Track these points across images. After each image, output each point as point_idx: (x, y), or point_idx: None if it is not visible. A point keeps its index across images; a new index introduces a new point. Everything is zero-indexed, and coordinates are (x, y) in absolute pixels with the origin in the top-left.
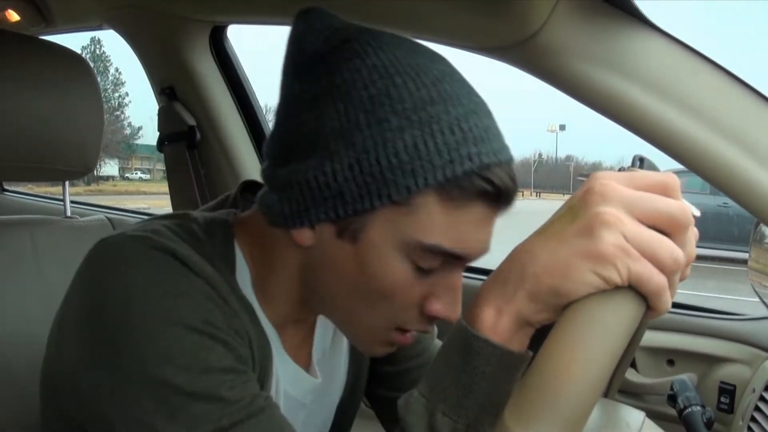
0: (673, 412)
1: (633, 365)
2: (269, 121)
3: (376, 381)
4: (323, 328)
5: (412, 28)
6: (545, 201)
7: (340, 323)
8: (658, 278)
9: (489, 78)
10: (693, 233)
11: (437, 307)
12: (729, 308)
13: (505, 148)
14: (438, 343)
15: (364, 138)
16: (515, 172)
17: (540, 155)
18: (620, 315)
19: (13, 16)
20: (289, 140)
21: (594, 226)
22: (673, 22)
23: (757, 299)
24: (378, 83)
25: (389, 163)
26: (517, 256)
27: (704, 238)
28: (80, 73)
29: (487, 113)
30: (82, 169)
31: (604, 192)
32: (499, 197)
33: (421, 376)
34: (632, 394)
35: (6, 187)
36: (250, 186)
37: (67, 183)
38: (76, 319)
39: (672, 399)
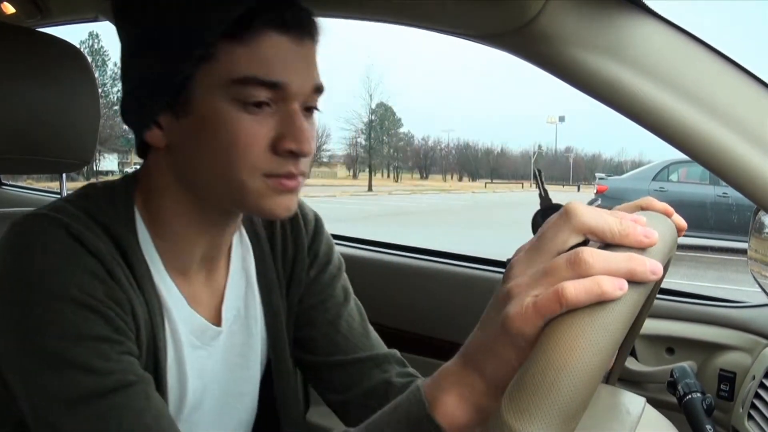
0: (673, 399)
1: (632, 353)
2: None
3: (300, 346)
4: (235, 288)
5: (408, 17)
6: None
7: (227, 201)
8: (568, 289)
9: (488, 72)
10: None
11: (287, 143)
12: (729, 298)
13: None
14: (351, 308)
15: (151, 31)
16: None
17: (540, 147)
18: (621, 300)
19: (9, 8)
20: (123, 57)
21: (503, 299)
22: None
23: (756, 289)
24: None
25: (174, 34)
26: (477, 338)
27: (703, 228)
28: (76, 64)
29: None
30: (78, 162)
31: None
32: (285, 23)
33: (339, 341)
34: (632, 383)
35: (4, 181)
36: None
37: (64, 176)
38: None
39: (672, 386)
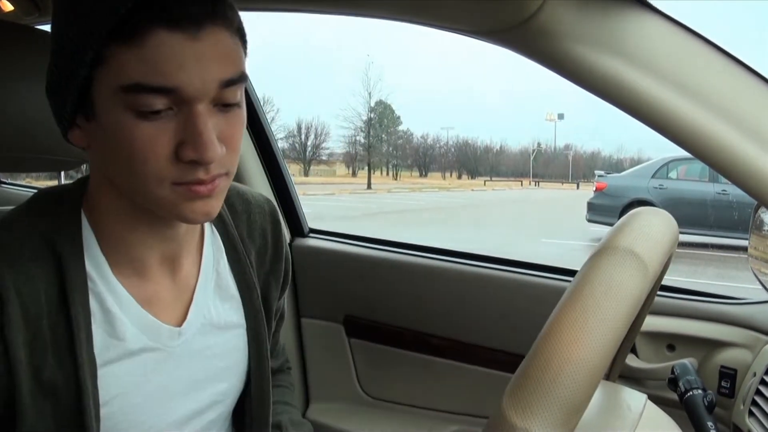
0: (674, 396)
1: (633, 350)
2: (267, 112)
3: None
4: (205, 290)
5: (407, 13)
6: (544, 190)
7: (143, 202)
8: None
9: (488, 69)
10: None
11: (187, 152)
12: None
13: None
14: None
15: (56, 29)
16: None
17: (539, 144)
18: (621, 297)
19: (7, 6)
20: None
21: None
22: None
23: (757, 286)
24: None
25: (70, 34)
26: None
27: (703, 225)
28: None
29: None
30: (77, 159)
31: None
32: (173, 18)
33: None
34: (633, 379)
35: (3, 180)
36: None
37: (62, 174)
38: None
39: (673, 383)
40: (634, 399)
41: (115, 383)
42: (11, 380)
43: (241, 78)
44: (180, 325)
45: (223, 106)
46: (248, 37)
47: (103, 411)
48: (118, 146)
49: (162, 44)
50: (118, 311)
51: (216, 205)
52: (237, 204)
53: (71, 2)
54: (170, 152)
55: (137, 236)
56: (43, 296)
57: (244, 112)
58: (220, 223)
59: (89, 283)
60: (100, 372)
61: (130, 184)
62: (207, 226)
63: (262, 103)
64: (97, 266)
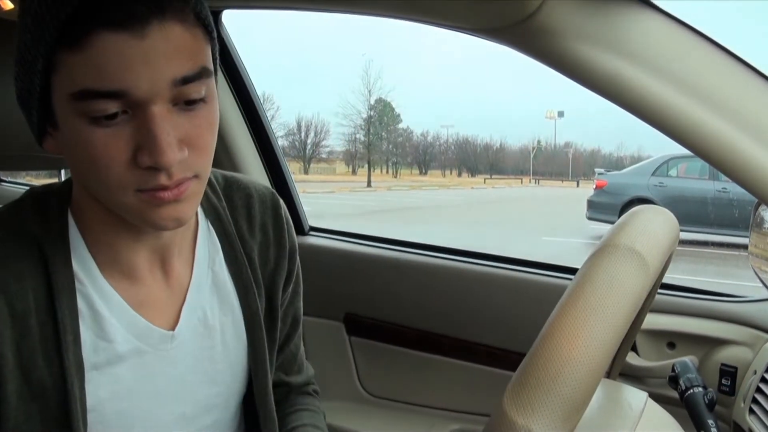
0: (674, 394)
1: (634, 348)
2: (267, 110)
3: None
4: (198, 290)
5: (407, 11)
6: (544, 188)
7: (114, 209)
8: None
9: (488, 66)
10: None
11: (143, 157)
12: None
13: None
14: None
15: (18, 29)
16: None
17: (539, 142)
18: (622, 295)
19: (7, 4)
20: None
21: None
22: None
23: (757, 283)
24: None
25: (25, 42)
26: None
27: (703, 224)
28: None
29: None
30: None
31: None
32: (116, 18)
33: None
34: (633, 377)
35: (3, 178)
36: None
37: (62, 172)
38: None
39: (673, 381)
40: (635, 397)
41: (104, 387)
42: None
43: (202, 73)
44: (173, 328)
45: (186, 103)
46: (248, 37)
47: (91, 415)
48: (80, 154)
49: (106, 47)
50: (107, 313)
51: (186, 209)
52: (237, 198)
53: (24, 11)
54: (128, 158)
55: (122, 240)
56: (30, 294)
57: (212, 107)
58: (216, 220)
59: (77, 284)
60: (88, 375)
61: (98, 192)
62: (202, 223)
63: (262, 101)
64: (85, 267)
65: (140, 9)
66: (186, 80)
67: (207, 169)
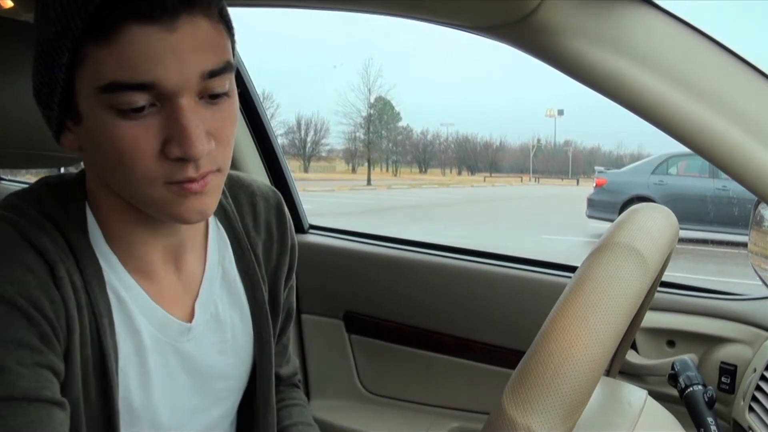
0: (674, 392)
1: (633, 346)
2: (267, 108)
3: None
4: (210, 285)
5: (407, 9)
6: (544, 186)
7: (137, 203)
8: None
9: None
10: None
11: (173, 149)
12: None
13: None
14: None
15: (38, 31)
16: None
17: (539, 140)
18: (622, 293)
19: (7, 2)
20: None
21: None
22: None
23: (757, 282)
24: None
25: (47, 36)
26: None
27: (703, 222)
28: None
29: None
30: (77, 156)
31: None
32: (145, 11)
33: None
34: (633, 376)
35: (3, 176)
36: None
37: (62, 171)
38: None
39: (673, 379)
40: (635, 395)
41: (132, 378)
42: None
43: (226, 67)
44: (189, 321)
45: (210, 97)
46: (249, 35)
47: (121, 403)
48: (106, 148)
49: (136, 39)
50: (132, 304)
51: (210, 202)
52: (241, 197)
53: (46, 4)
54: (157, 150)
55: (138, 235)
56: (67, 278)
57: (234, 102)
58: (224, 218)
59: (104, 274)
60: (121, 363)
61: (123, 186)
62: (212, 221)
63: (262, 99)
64: (107, 259)
65: (170, 2)
66: (212, 74)
67: (228, 163)
